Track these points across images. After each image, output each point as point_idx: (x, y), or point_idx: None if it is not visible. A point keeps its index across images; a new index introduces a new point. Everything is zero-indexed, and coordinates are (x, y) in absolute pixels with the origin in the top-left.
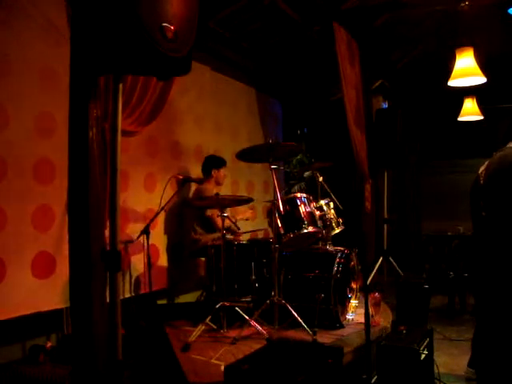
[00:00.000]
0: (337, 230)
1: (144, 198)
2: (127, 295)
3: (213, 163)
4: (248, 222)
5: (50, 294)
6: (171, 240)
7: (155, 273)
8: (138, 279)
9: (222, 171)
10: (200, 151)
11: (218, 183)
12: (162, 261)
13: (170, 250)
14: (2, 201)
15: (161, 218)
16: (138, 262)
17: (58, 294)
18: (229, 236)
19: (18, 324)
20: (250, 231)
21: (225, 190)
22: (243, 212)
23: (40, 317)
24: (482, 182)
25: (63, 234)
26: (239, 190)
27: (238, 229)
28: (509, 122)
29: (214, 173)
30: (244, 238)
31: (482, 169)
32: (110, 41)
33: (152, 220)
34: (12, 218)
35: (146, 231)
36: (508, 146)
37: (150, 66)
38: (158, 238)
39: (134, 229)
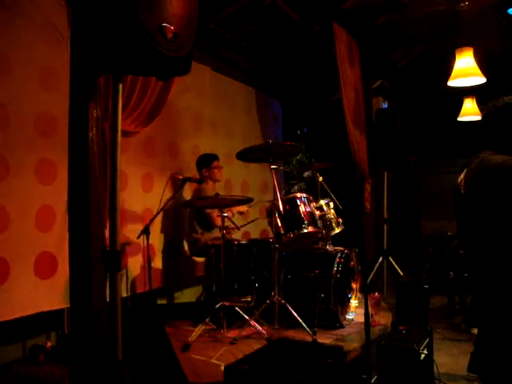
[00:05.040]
0: (337, 230)
1: (141, 198)
2: (124, 294)
3: (201, 163)
4: (242, 219)
5: (51, 294)
6: (168, 240)
7: (152, 272)
8: (135, 279)
9: (215, 166)
10: (198, 151)
11: (214, 180)
12: (158, 260)
13: (167, 249)
14: (4, 201)
15: (157, 218)
16: (135, 263)
17: (59, 294)
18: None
19: (18, 324)
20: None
21: (220, 190)
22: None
23: (40, 316)
24: (462, 191)
25: (64, 234)
26: (233, 190)
27: (238, 228)
28: (479, 130)
29: (205, 172)
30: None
31: (461, 177)
32: (109, 41)
33: (152, 220)
34: (15, 218)
35: (146, 231)
36: (481, 154)
37: (150, 66)
38: (155, 238)
39: (132, 230)
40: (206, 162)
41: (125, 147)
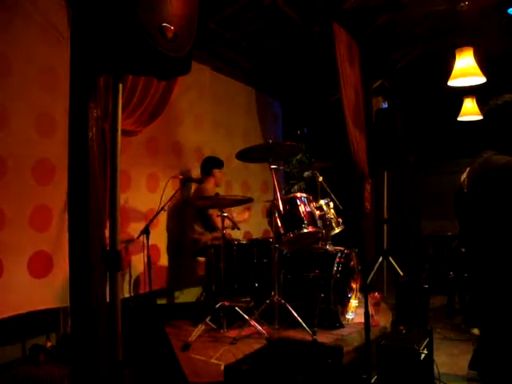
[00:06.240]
0: (336, 230)
1: (146, 198)
2: (126, 295)
3: (214, 163)
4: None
5: (46, 294)
6: (172, 240)
7: (155, 272)
8: (138, 279)
9: (222, 172)
10: (199, 151)
11: (218, 184)
12: (163, 260)
13: (171, 249)
14: (0, 200)
15: (162, 217)
16: (138, 262)
17: (54, 294)
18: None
19: (18, 324)
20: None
21: (219, 191)
22: (240, 214)
23: (40, 316)
24: (465, 190)
25: (61, 234)
26: (233, 190)
27: (238, 229)
28: (481, 129)
29: (215, 173)
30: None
31: (463, 177)
32: (109, 41)
33: (152, 220)
34: (10, 218)
35: (146, 231)
36: (484, 153)
37: (150, 66)
38: (159, 238)
39: (135, 229)
40: (218, 164)
41: (128, 147)
